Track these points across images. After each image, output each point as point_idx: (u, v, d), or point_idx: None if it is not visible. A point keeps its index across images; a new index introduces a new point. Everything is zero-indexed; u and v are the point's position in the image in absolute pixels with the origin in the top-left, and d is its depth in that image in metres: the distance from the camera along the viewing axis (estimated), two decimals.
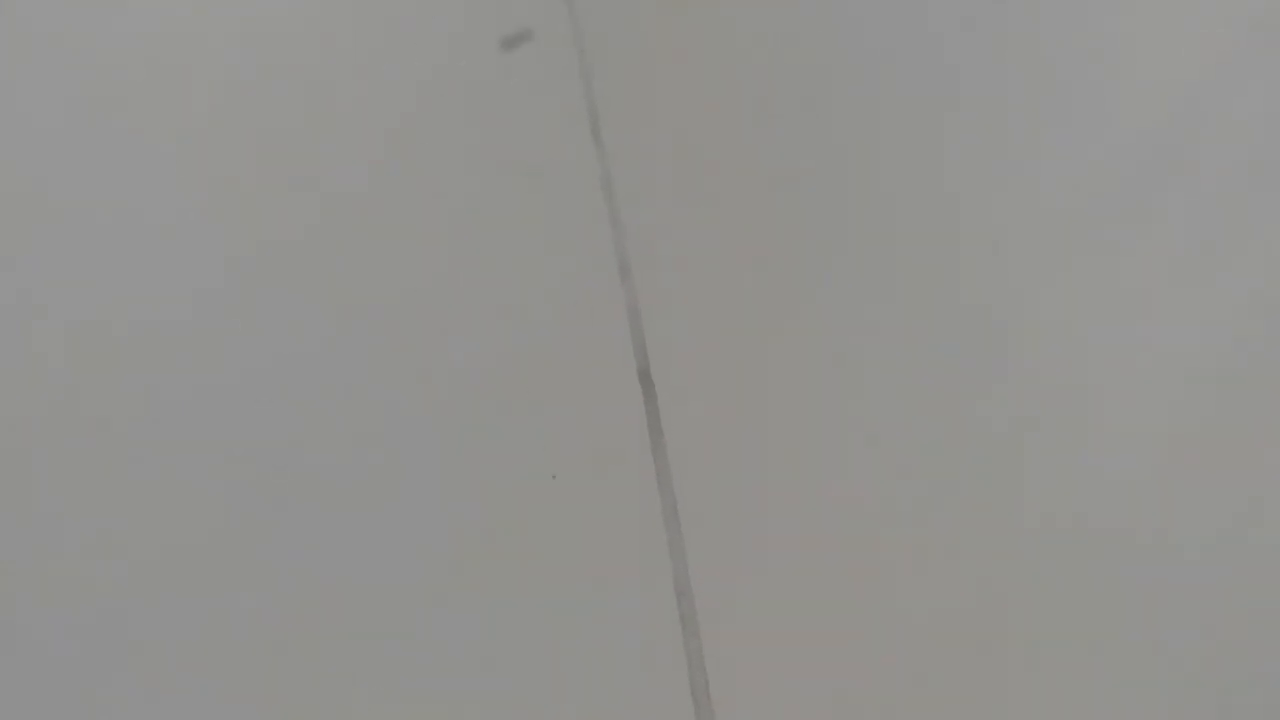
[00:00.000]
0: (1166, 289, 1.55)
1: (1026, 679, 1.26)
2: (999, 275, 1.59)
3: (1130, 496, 1.39)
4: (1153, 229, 1.60)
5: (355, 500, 1.36)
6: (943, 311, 1.56)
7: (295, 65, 1.76)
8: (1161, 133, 1.66)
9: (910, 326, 1.55)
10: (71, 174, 1.60)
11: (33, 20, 1.68)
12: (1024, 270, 1.59)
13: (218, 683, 1.23)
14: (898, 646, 1.27)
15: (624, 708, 1.23)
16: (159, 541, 1.31)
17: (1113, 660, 1.27)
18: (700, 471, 1.40)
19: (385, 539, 1.34)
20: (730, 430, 1.46)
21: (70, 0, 1.71)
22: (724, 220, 1.68)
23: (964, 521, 1.37)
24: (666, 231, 1.66)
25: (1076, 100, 1.70)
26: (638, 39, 1.89)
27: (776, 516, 1.38)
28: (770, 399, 1.49)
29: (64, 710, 1.20)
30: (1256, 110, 1.65)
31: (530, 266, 1.61)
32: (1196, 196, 1.61)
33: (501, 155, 1.73)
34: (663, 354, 1.51)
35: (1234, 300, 1.53)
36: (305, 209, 1.63)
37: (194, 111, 1.68)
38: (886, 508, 1.38)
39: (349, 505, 1.36)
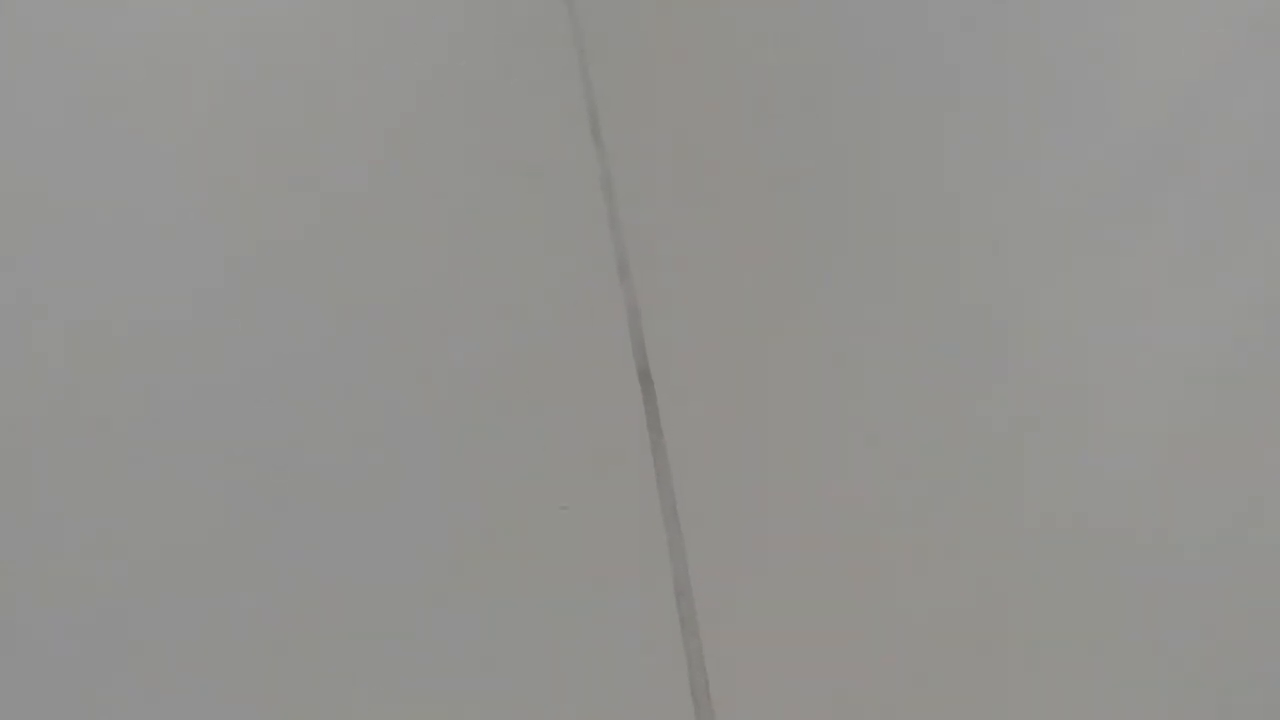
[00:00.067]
0: (1166, 289, 1.55)
1: (1026, 679, 1.26)
2: (999, 275, 1.59)
3: (1130, 496, 1.39)
4: (1153, 229, 1.60)
5: (355, 500, 1.36)
6: (943, 311, 1.56)
7: (295, 65, 1.76)
8: (1161, 133, 1.66)
9: (910, 326, 1.55)
10: (71, 174, 1.60)
11: (33, 20, 1.68)
12: (1024, 270, 1.59)
13: (218, 683, 1.23)
14: (898, 646, 1.27)
15: (624, 708, 1.23)
16: (159, 541, 1.31)
17: (1113, 660, 1.27)
18: (700, 471, 1.40)
19: (385, 539, 1.34)
20: (730, 430, 1.46)
21: (70, 0, 1.71)
22: (724, 220, 1.68)
23: (964, 521, 1.37)
24: (666, 231, 1.66)
25: (1076, 100, 1.70)
26: (638, 39, 1.89)
27: (776, 516, 1.38)
28: (770, 399, 1.49)
29: (64, 710, 1.20)
30: (1256, 110, 1.65)
31: (530, 266, 1.61)
32: (1196, 196, 1.61)
33: (501, 155, 1.73)
34: (662, 354, 1.51)
35: (1234, 300, 1.53)
36: (305, 209, 1.63)
37: (194, 111, 1.68)
38: (886, 508, 1.38)
39: (349, 505, 1.36)
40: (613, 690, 1.24)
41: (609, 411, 1.46)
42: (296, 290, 1.55)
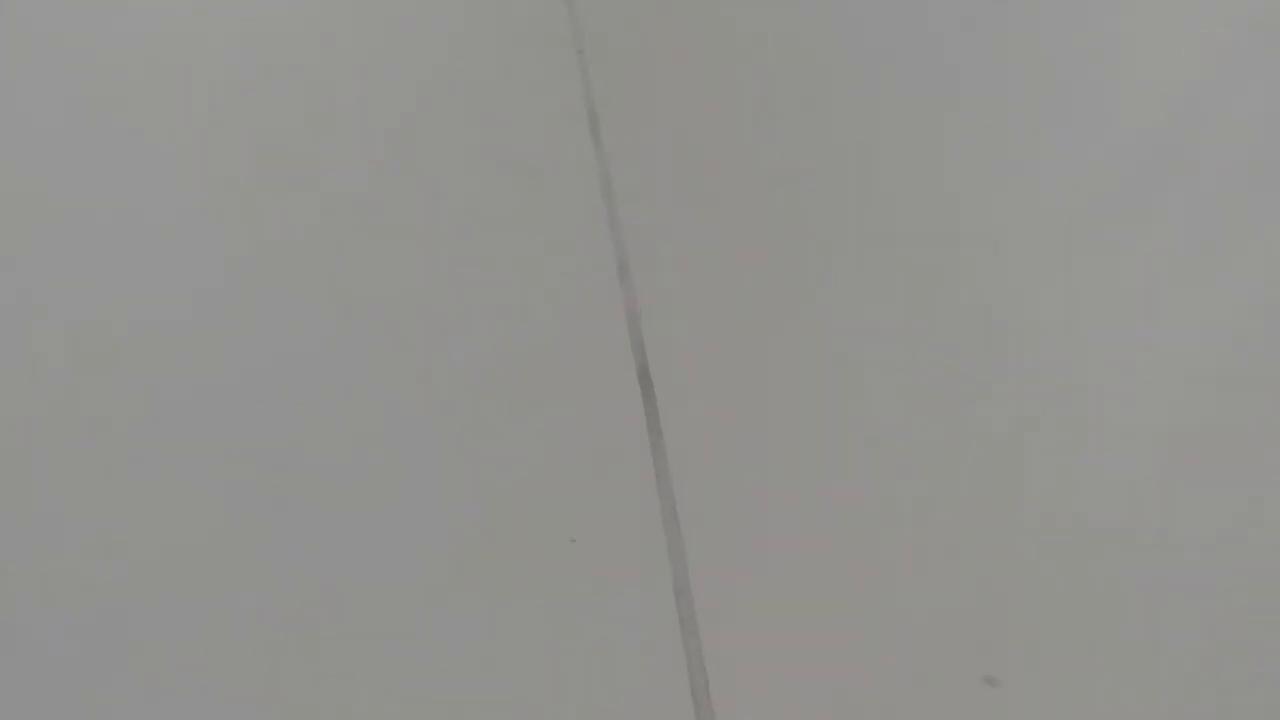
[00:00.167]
0: (1166, 289, 1.55)
1: (1026, 679, 1.26)
2: (999, 275, 1.59)
3: (1130, 496, 1.39)
4: (1153, 229, 1.60)
5: (355, 500, 1.36)
6: (943, 311, 1.56)
7: (295, 65, 1.76)
8: (1161, 133, 1.66)
9: (910, 326, 1.55)
10: (71, 174, 1.60)
11: (33, 20, 1.68)
12: (1024, 270, 1.59)
13: (218, 683, 1.22)
14: (898, 646, 1.27)
15: (624, 708, 1.23)
16: (159, 541, 1.31)
17: (1113, 660, 1.27)
18: (699, 471, 1.40)
19: (385, 539, 1.33)
20: (730, 430, 1.46)
21: (70, 0, 1.71)
22: (723, 220, 1.68)
23: (964, 521, 1.37)
24: (666, 232, 1.66)
25: (1076, 100, 1.70)
26: (638, 39, 1.89)
27: (776, 516, 1.38)
28: (770, 399, 1.49)
29: (64, 710, 1.20)
30: (1256, 110, 1.65)
31: (530, 266, 1.61)
32: (1196, 196, 1.61)
33: (501, 155, 1.73)
34: (662, 354, 1.51)
35: (1234, 300, 1.53)
36: (305, 209, 1.63)
37: (194, 111, 1.68)
38: (886, 508, 1.38)
39: (349, 505, 1.36)
40: (612, 690, 1.24)
41: (609, 412, 1.46)
42: (296, 290, 1.55)
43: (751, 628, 1.30)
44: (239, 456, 1.39)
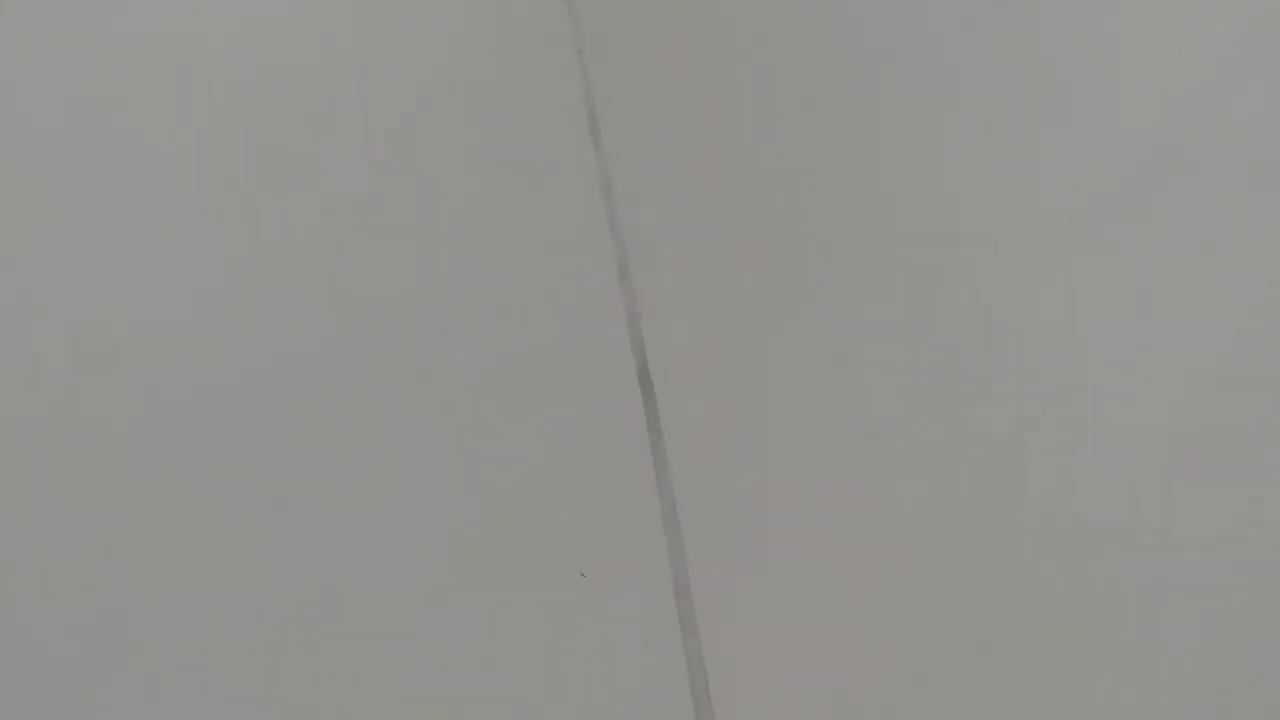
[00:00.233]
0: (1166, 289, 1.55)
1: (1026, 679, 1.26)
2: (999, 275, 1.59)
3: (1130, 496, 1.39)
4: (1153, 229, 1.60)
5: (355, 500, 1.36)
6: (943, 311, 1.56)
7: (295, 65, 1.76)
8: (1161, 133, 1.66)
9: (910, 326, 1.55)
10: (71, 174, 1.59)
11: (33, 20, 1.67)
12: (1024, 270, 1.59)
13: (218, 683, 1.23)
14: (898, 646, 1.27)
15: (624, 707, 1.23)
16: (159, 541, 1.31)
17: (1113, 660, 1.27)
18: (699, 471, 1.40)
19: (385, 539, 1.33)
20: (730, 430, 1.46)
21: (70, 0, 1.71)
22: (723, 220, 1.68)
23: (964, 521, 1.37)
24: (666, 232, 1.66)
25: (1076, 100, 1.70)
26: (638, 39, 1.89)
27: (776, 516, 1.38)
28: (770, 399, 1.49)
29: (64, 710, 1.20)
30: (1256, 110, 1.65)
31: (530, 266, 1.61)
32: (1196, 196, 1.61)
33: (501, 155, 1.73)
34: (662, 354, 1.51)
35: (1234, 300, 1.53)
36: (305, 209, 1.63)
37: (194, 111, 1.68)
38: (886, 508, 1.38)
39: (349, 505, 1.36)
40: (613, 690, 1.24)
41: (609, 412, 1.46)
42: (296, 290, 1.55)
43: (751, 628, 1.30)
44: (239, 456, 1.39)
